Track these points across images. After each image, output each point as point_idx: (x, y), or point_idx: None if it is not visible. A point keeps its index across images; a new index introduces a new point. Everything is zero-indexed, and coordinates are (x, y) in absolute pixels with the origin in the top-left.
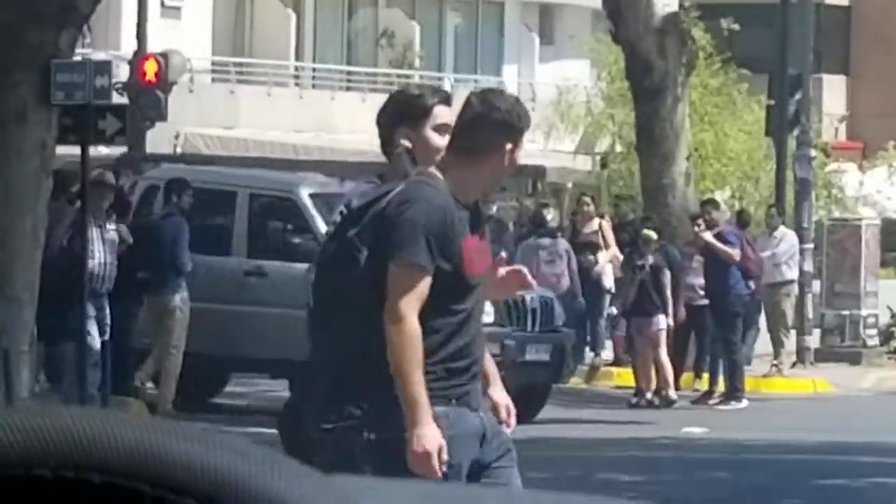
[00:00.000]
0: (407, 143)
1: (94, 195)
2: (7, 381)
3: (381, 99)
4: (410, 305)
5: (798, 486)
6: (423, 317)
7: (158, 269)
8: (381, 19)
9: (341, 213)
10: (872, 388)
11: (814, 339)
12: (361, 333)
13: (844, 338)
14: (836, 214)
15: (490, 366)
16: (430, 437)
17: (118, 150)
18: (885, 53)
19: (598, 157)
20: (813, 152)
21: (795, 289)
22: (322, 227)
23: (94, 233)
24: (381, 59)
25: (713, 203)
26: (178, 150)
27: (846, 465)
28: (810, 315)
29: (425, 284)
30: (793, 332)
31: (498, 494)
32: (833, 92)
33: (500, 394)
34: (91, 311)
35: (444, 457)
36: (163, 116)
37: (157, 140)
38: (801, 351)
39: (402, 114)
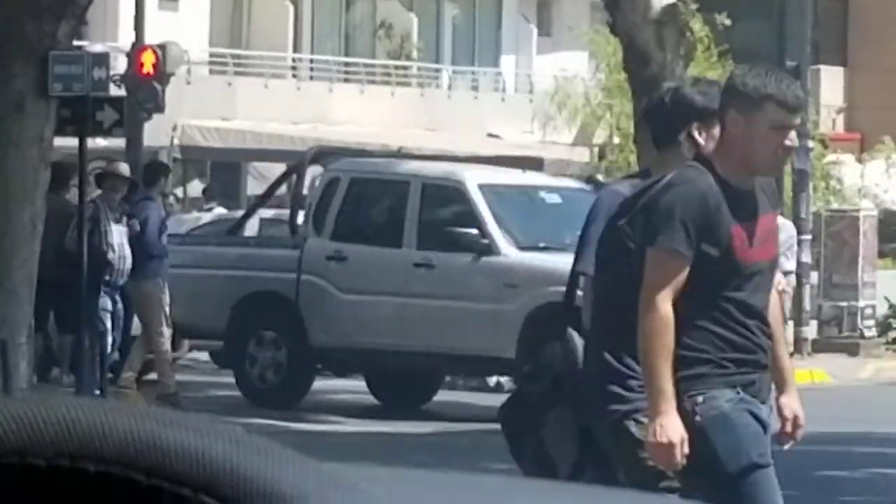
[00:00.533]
0: (699, 139)
1: (106, 187)
2: (5, 373)
3: (379, 91)
4: (663, 293)
5: (795, 477)
6: (690, 304)
7: (135, 255)
8: (378, 11)
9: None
10: (870, 379)
11: (811, 330)
12: (635, 322)
13: (842, 329)
14: (834, 206)
15: (786, 367)
16: (672, 427)
17: (116, 141)
18: (883, 45)
19: (595, 149)
20: (811, 143)
21: (793, 280)
22: (488, 217)
23: (111, 226)
24: (378, 51)
25: None
26: (176, 141)
27: (844, 455)
28: (808, 306)
29: (681, 271)
30: (790, 323)
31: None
32: (831, 83)
33: (789, 401)
34: (108, 304)
35: (686, 449)
36: (160, 108)
37: (155, 132)
38: (798, 342)
39: (699, 111)
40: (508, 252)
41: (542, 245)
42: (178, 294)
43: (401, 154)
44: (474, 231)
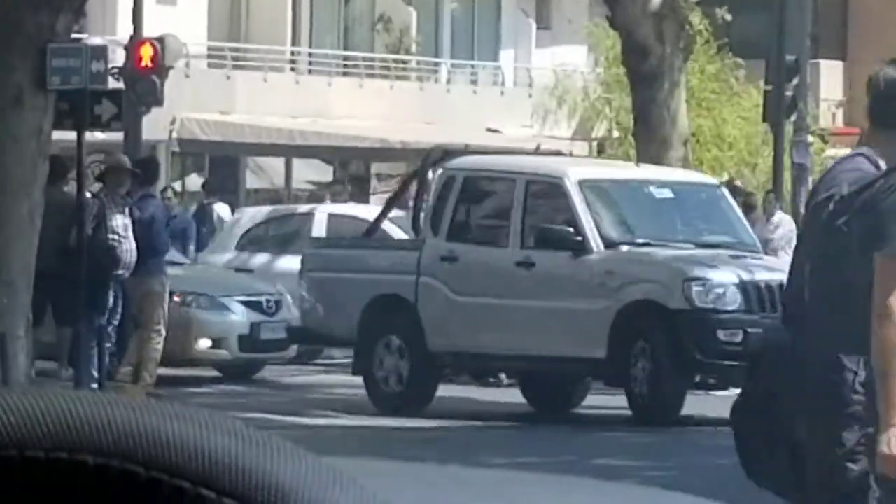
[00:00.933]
0: None
1: (111, 180)
2: (3, 365)
3: (378, 85)
4: None
5: None
6: None
7: (139, 252)
8: (377, 4)
9: (834, 200)
10: None
11: None
12: (857, 327)
13: None
14: None
15: None
16: None
17: (114, 134)
18: (882, 39)
19: (594, 143)
20: (810, 138)
21: None
22: (583, 213)
23: (117, 219)
24: (377, 45)
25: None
26: (174, 135)
27: None
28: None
29: None
30: None
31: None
32: (831, 77)
33: None
34: (109, 298)
35: None
36: (159, 101)
37: (153, 125)
38: None
39: None
40: (600, 249)
41: (640, 241)
42: (316, 299)
43: (534, 151)
44: (569, 228)
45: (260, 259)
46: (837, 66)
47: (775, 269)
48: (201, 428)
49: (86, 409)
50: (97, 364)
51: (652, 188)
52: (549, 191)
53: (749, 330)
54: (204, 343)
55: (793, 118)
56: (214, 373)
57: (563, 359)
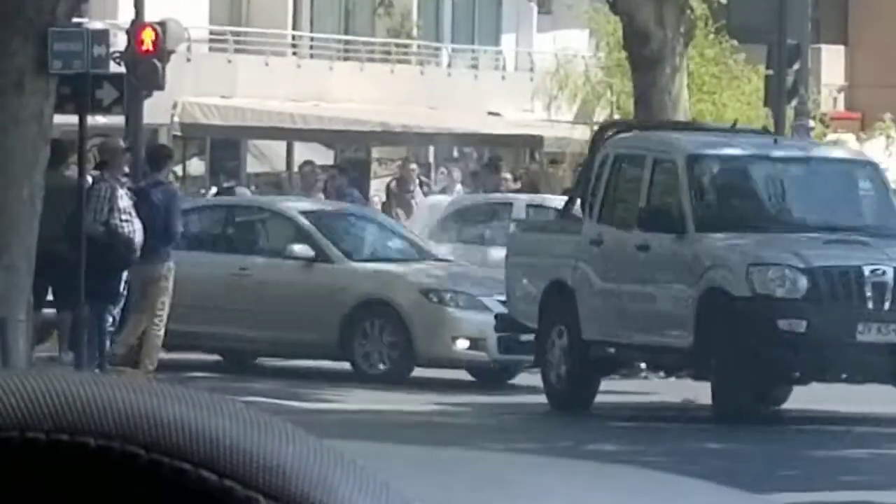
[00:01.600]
0: None
1: (113, 163)
2: (4, 349)
3: (379, 68)
4: None
5: (796, 457)
6: None
7: (149, 237)
8: None
9: None
10: None
11: None
12: None
13: None
14: None
15: None
16: None
17: (116, 118)
18: (884, 24)
19: (596, 127)
20: (811, 122)
21: None
22: (687, 195)
23: (125, 201)
24: (378, 29)
25: None
26: (175, 119)
27: (844, 436)
28: None
29: None
30: None
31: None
32: (832, 62)
33: None
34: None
35: None
36: (160, 86)
37: (155, 109)
38: None
39: None
40: (692, 233)
41: (741, 224)
42: (514, 286)
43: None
44: (670, 210)
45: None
46: (839, 50)
47: (877, 258)
48: (202, 410)
49: (87, 391)
50: (101, 347)
51: (782, 165)
52: (666, 169)
53: (814, 319)
54: (462, 344)
55: (794, 103)
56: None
57: (654, 348)
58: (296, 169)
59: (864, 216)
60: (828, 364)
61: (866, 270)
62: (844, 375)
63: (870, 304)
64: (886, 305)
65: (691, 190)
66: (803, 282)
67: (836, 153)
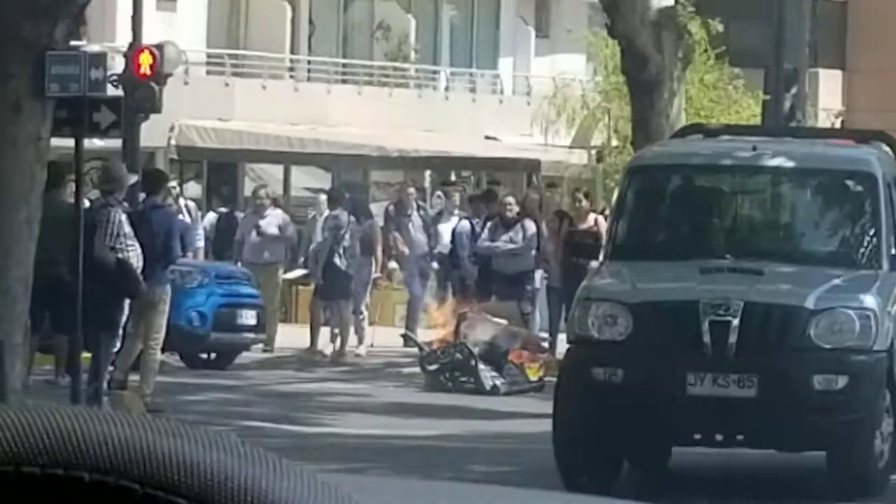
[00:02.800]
0: None
1: (116, 187)
2: (1, 373)
3: (377, 92)
4: None
5: (777, 482)
6: None
7: (147, 261)
8: (376, 12)
9: None
10: None
11: None
12: None
13: None
14: None
15: None
16: None
17: (113, 142)
18: (881, 48)
19: (593, 151)
20: None
21: None
22: (618, 213)
23: (129, 228)
24: (376, 52)
25: None
26: (173, 142)
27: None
28: None
29: None
30: None
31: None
32: (829, 87)
33: None
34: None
35: None
36: (157, 109)
37: (152, 132)
38: None
39: None
40: (608, 260)
41: (660, 252)
42: None
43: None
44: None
45: None
46: (836, 75)
47: (744, 292)
48: (197, 445)
49: (82, 426)
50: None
51: (744, 176)
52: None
53: (633, 367)
54: None
55: None
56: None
57: None
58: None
59: (818, 239)
60: (649, 422)
61: (705, 308)
62: (670, 436)
63: (706, 349)
64: (728, 351)
65: (620, 209)
66: (625, 320)
67: (825, 162)
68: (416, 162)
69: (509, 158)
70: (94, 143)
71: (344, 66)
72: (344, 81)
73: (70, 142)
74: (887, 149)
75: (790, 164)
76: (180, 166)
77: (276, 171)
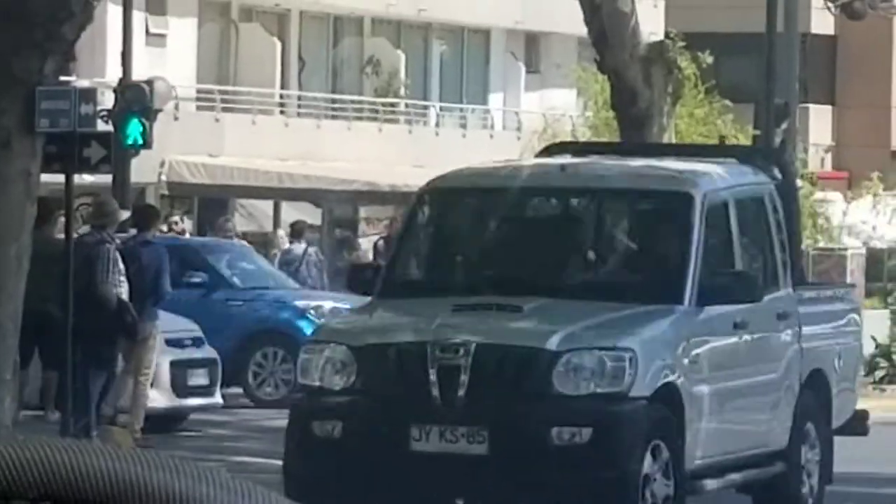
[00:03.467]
0: None
1: (109, 221)
2: None
3: (367, 127)
4: None
5: None
6: None
7: (137, 297)
8: (366, 48)
9: None
10: None
11: None
12: None
13: None
14: (822, 244)
15: None
16: None
17: (103, 177)
18: (871, 84)
19: None
20: (799, 182)
21: None
22: (399, 243)
23: (121, 264)
24: (366, 88)
25: None
26: (163, 178)
27: (830, 495)
28: None
29: None
30: None
31: None
32: (819, 122)
33: None
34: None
35: None
36: (148, 144)
37: (142, 168)
38: None
39: None
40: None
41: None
42: None
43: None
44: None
45: None
46: (826, 110)
47: (495, 331)
48: (187, 478)
49: (72, 460)
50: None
51: (543, 200)
52: None
53: (353, 420)
54: None
55: None
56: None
57: None
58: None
59: (610, 270)
60: (370, 483)
61: (434, 351)
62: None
63: (434, 399)
64: (458, 401)
65: (401, 239)
66: (350, 366)
67: (636, 182)
68: (406, 197)
69: None
70: (83, 178)
71: (334, 101)
72: (334, 117)
73: (60, 177)
74: (774, 168)
75: (595, 185)
76: (171, 202)
77: (267, 206)
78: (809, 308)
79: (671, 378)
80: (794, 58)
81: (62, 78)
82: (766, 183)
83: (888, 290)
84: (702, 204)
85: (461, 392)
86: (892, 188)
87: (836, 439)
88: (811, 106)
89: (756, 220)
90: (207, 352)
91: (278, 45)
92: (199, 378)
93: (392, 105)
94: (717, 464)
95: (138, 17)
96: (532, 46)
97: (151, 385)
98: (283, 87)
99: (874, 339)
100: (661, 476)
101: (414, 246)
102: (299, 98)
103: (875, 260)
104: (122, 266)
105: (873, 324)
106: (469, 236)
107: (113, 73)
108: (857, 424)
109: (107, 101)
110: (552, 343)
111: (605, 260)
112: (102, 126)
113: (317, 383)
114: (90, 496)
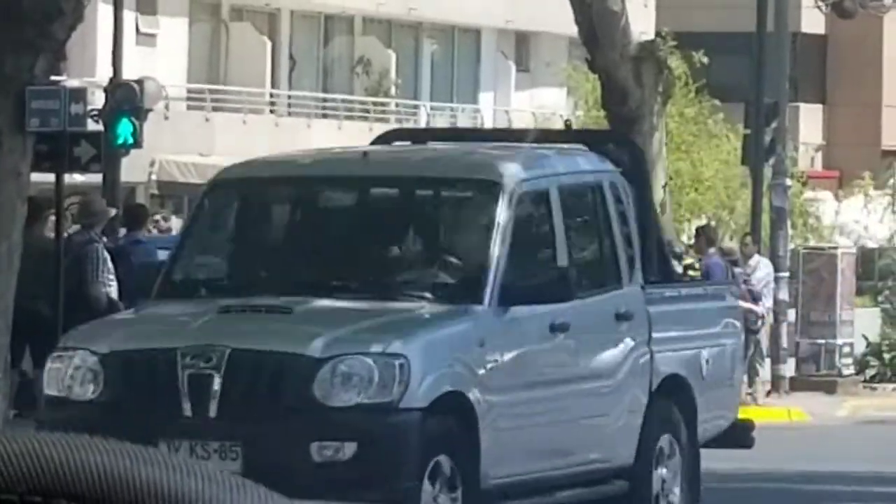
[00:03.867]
0: None
1: (98, 221)
2: None
3: (357, 127)
4: None
5: None
6: None
7: (127, 296)
8: (356, 47)
9: None
10: (848, 417)
11: (789, 368)
12: None
13: (820, 367)
14: (812, 243)
15: None
16: None
17: (93, 177)
18: (861, 83)
19: None
20: (789, 181)
21: (770, 317)
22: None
23: (111, 263)
24: (356, 87)
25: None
26: (153, 177)
27: (821, 494)
28: (785, 344)
29: None
30: (767, 361)
31: None
32: (809, 121)
33: None
34: None
35: None
36: (138, 143)
37: (132, 167)
38: (776, 380)
39: None
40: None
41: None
42: None
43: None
44: None
45: None
46: (816, 109)
47: (255, 335)
48: (175, 472)
49: (60, 454)
50: None
51: (341, 192)
52: None
53: (103, 433)
54: None
55: (771, 161)
56: None
57: None
58: None
59: (403, 266)
60: None
61: (184, 358)
62: None
63: (184, 411)
64: (209, 413)
65: (184, 235)
66: (98, 375)
67: (436, 170)
68: None
69: None
70: (74, 178)
71: (324, 100)
72: (324, 116)
73: (48, 177)
74: (622, 154)
75: (397, 173)
76: (161, 201)
77: None
78: (666, 308)
79: (458, 387)
80: (785, 57)
81: (52, 77)
82: (609, 171)
83: (879, 289)
84: (511, 193)
85: (213, 403)
86: (882, 187)
87: (835, 437)
88: (801, 105)
89: (591, 212)
90: None
91: (269, 44)
92: None
93: (382, 104)
94: (524, 482)
95: (129, 16)
96: (522, 45)
97: None
98: (273, 86)
99: (865, 337)
100: (446, 496)
101: (195, 243)
102: (290, 97)
103: (866, 259)
104: (111, 265)
105: (864, 322)
106: (253, 232)
107: (103, 73)
108: (740, 435)
109: (97, 100)
110: (315, 349)
111: (402, 256)
112: (93, 125)
113: (63, 394)
114: (79, 490)
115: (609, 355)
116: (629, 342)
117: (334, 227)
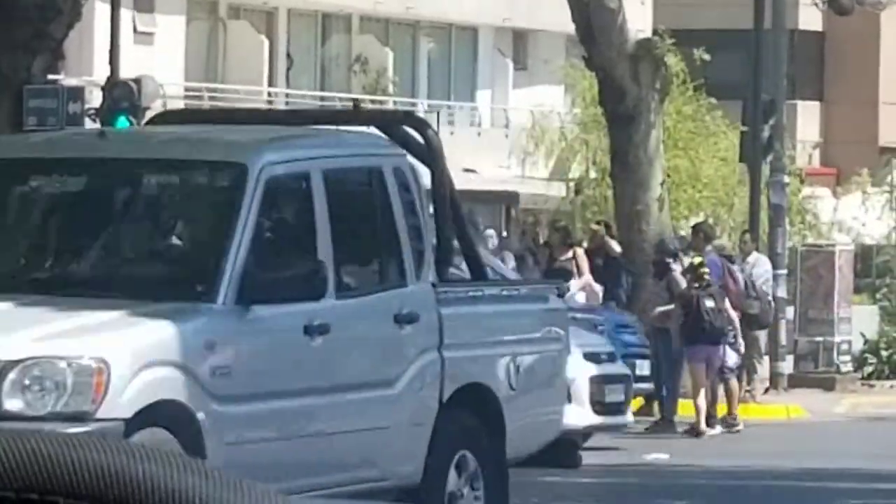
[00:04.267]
0: None
1: None
2: None
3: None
4: None
5: None
6: None
7: None
8: (354, 45)
9: None
10: (846, 414)
11: (787, 365)
12: None
13: (818, 364)
14: (810, 240)
15: None
16: None
17: None
18: (858, 80)
19: (571, 184)
20: (787, 178)
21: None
22: None
23: None
24: (354, 86)
25: (709, 227)
26: None
27: (820, 491)
28: (783, 341)
29: None
30: (766, 358)
31: None
32: (807, 118)
33: None
34: None
35: None
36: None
37: None
38: (774, 377)
39: None
40: None
41: None
42: None
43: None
44: None
45: None
46: (814, 106)
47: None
48: (173, 469)
49: (57, 451)
50: None
51: (58, 174)
52: None
53: None
54: None
55: (769, 158)
56: None
57: None
58: None
59: (134, 260)
60: None
61: None
62: None
63: None
64: None
65: None
66: None
67: (184, 152)
68: None
69: (487, 191)
70: None
71: (322, 99)
72: None
73: None
74: (416, 136)
75: (131, 155)
76: None
77: None
78: (465, 309)
79: (175, 395)
80: (782, 54)
81: (50, 76)
82: (393, 155)
83: (877, 287)
84: (258, 177)
85: None
86: (880, 184)
87: (833, 434)
88: (799, 102)
89: (367, 200)
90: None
91: (266, 42)
92: None
93: (380, 103)
94: None
95: (126, 15)
96: (520, 43)
97: None
98: (271, 84)
99: (863, 335)
100: None
101: None
102: (287, 96)
103: (865, 256)
104: None
105: (862, 320)
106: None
107: (101, 72)
108: (563, 454)
109: (95, 99)
110: (2, 352)
111: (126, 247)
112: (90, 124)
113: None
114: (75, 487)
115: (384, 361)
116: (412, 347)
117: (55, 215)
